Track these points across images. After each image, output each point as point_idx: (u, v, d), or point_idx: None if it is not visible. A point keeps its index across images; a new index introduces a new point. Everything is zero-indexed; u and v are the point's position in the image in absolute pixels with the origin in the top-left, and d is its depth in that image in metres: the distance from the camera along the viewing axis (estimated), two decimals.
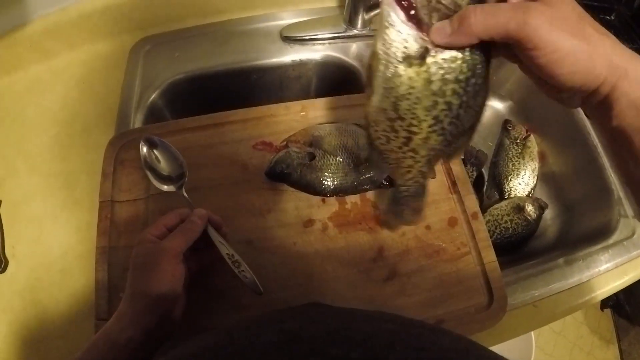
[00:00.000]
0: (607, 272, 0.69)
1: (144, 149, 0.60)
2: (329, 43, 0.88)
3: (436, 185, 0.65)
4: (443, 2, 0.33)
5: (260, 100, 0.71)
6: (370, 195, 0.63)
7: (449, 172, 0.66)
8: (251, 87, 0.88)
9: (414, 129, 0.38)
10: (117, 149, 0.64)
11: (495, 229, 0.84)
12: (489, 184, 0.95)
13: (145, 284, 0.45)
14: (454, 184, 0.65)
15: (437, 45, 0.34)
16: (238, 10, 0.89)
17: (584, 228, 0.83)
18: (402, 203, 0.53)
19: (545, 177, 0.94)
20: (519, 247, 0.86)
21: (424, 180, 0.48)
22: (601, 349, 1.85)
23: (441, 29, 0.34)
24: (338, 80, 0.90)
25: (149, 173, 0.60)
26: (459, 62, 0.35)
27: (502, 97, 1.06)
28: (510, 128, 0.95)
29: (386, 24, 0.34)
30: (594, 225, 0.80)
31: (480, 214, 0.64)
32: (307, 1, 0.91)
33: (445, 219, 0.63)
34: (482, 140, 1.01)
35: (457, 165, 0.66)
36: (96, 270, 0.56)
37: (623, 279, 0.70)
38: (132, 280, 0.47)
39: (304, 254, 0.59)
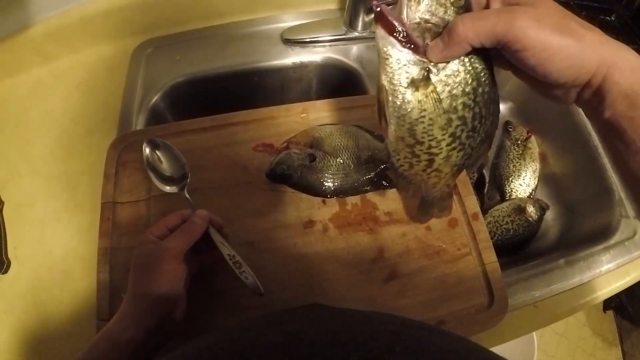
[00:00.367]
0: (608, 272, 0.69)
1: (147, 150, 0.61)
2: (330, 45, 0.88)
3: None
4: (432, 21, 0.35)
5: (261, 103, 0.71)
6: (370, 196, 0.64)
7: None
8: (252, 89, 0.88)
9: (434, 150, 0.40)
10: (119, 150, 0.65)
11: (497, 230, 0.84)
12: (490, 185, 0.95)
13: (146, 284, 0.46)
14: (454, 185, 0.65)
15: (437, 63, 0.35)
16: (239, 13, 0.89)
17: (585, 229, 0.83)
18: (431, 205, 0.55)
19: (546, 178, 0.94)
20: (520, 248, 0.86)
21: (450, 187, 0.50)
22: (603, 350, 1.84)
23: (435, 45, 0.35)
24: (339, 82, 0.90)
25: (151, 174, 0.60)
26: (462, 74, 0.36)
27: (502, 99, 1.06)
28: (511, 129, 0.95)
29: (384, 56, 0.36)
30: (595, 225, 0.80)
31: (480, 215, 0.64)
32: (307, 4, 0.92)
33: (446, 219, 0.63)
34: None
35: None
36: (98, 271, 0.57)
37: (624, 279, 0.70)
38: (133, 281, 0.47)
39: (304, 255, 0.59)
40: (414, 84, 0.36)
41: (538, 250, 0.87)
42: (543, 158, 0.94)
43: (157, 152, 0.62)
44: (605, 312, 1.88)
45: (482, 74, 0.36)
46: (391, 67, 0.36)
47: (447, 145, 0.39)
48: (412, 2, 0.34)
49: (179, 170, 0.61)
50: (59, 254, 0.66)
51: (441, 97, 0.36)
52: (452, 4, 0.34)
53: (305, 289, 0.57)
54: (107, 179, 0.63)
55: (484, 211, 0.86)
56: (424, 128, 0.38)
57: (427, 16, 0.35)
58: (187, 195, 0.59)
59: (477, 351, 0.31)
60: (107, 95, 0.81)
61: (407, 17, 0.35)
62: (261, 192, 0.62)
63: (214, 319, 0.54)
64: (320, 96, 0.93)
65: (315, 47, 0.88)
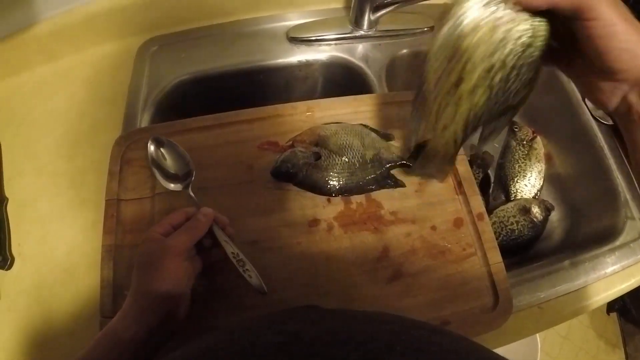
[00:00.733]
0: (613, 274, 0.69)
1: (152, 148, 0.61)
2: (335, 44, 0.88)
3: (442, 186, 0.65)
4: None
5: (266, 101, 0.71)
6: (376, 195, 0.63)
7: (455, 173, 0.66)
8: (257, 87, 0.88)
9: (467, 71, 0.40)
10: (123, 148, 0.64)
11: (501, 230, 0.83)
12: (495, 185, 0.94)
13: (149, 282, 0.46)
14: (459, 184, 0.65)
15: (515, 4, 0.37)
16: (244, 12, 0.89)
17: (590, 230, 0.83)
18: (431, 159, 0.55)
19: (551, 179, 0.94)
20: (525, 248, 0.85)
21: (452, 154, 0.50)
22: (607, 353, 1.84)
23: None
24: (344, 81, 0.90)
25: (156, 171, 0.60)
26: (524, 26, 0.37)
27: None
28: (516, 129, 0.94)
29: None
30: (600, 227, 0.79)
31: (486, 215, 0.64)
32: (313, 2, 0.92)
33: (451, 219, 0.63)
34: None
35: (462, 166, 0.66)
36: (101, 269, 0.57)
37: (630, 281, 0.70)
38: (136, 278, 0.47)
39: (308, 254, 0.59)
40: (488, 3, 0.37)
41: (543, 251, 0.87)
42: (548, 158, 0.94)
43: (162, 149, 0.62)
44: (609, 315, 1.87)
45: (539, 39, 0.38)
46: None
47: (479, 76, 0.39)
48: None
49: (183, 168, 0.61)
50: (63, 251, 0.66)
51: (499, 28, 0.37)
52: None
53: (309, 288, 0.57)
54: (112, 176, 0.63)
55: (489, 211, 0.86)
56: (468, 44, 0.38)
57: None
58: (191, 194, 0.59)
59: (477, 351, 0.31)
60: (112, 93, 0.81)
61: None
62: (266, 191, 0.62)
63: (216, 318, 0.54)
64: (326, 94, 0.93)
65: (320, 45, 0.88)
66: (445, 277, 0.59)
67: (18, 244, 0.67)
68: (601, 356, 1.83)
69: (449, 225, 0.63)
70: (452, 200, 0.65)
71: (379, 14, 0.85)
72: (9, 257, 0.66)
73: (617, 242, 0.72)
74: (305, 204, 0.62)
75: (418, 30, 0.91)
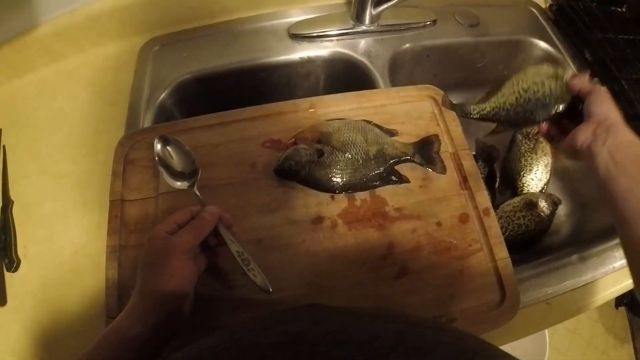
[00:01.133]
0: (621, 268, 0.68)
1: (158, 146, 0.61)
2: (337, 40, 0.88)
3: (447, 181, 0.65)
4: None
5: (268, 99, 0.70)
6: (380, 191, 0.63)
7: (460, 168, 0.65)
8: (260, 85, 0.88)
9: (520, 82, 0.62)
10: (126, 148, 0.64)
11: (508, 225, 0.83)
12: (501, 180, 0.94)
13: (154, 280, 0.45)
14: (465, 179, 0.64)
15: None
16: (245, 9, 0.89)
17: (598, 224, 0.82)
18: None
19: (558, 173, 0.93)
20: (532, 244, 0.85)
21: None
22: (615, 348, 1.83)
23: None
24: (346, 77, 0.90)
25: (162, 170, 0.60)
26: (558, 89, 0.60)
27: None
28: None
29: None
30: (608, 221, 0.78)
31: (492, 210, 0.63)
32: None
33: (457, 215, 0.62)
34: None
35: (467, 161, 0.66)
36: (106, 269, 0.57)
37: None
38: (141, 276, 0.47)
39: (313, 252, 0.58)
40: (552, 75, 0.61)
41: (550, 246, 0.86)
42: (555, 152, 0.93)
43: (168, 148, 0.62)
44: (617, 309, 1.86)
45: (555, 95, 0.60)
46: None
47: (522, 87, 0.62)
48: None
49: (189, 166, 0.61)
50: (68, 252, 0.66)
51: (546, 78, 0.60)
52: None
53: (313, 286, 0.56)
54: (115, 176, 0.62)
55: (495, 206, 0.85)
56: (532, 74, 0.62)
57: None
58: (197, 192, 0.58)
59: (483, 349, 0.30)
60: (115, 93, 0.81)
61: None
62: (269, 189, 0.62)
63: (221, 316, 0.54)
64: (328, 91, 0.93)
65: (322, 41, 0.87)
66: (451, 274, 0.59)
67: (24, 245, 0.67)
68: (610, 351, 1.82)
69: (455, 221, 0.62)
70: (458, 195, 0.64)
71: (380, 8, 0.84)
72: (15, 260, 0.66)
73: None
74: (309, 202, 0.61)
75: (420, 24, 0.91)
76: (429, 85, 0.73)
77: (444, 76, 0.97)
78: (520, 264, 0.66)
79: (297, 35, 0.86)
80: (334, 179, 0.61)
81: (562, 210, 0.90)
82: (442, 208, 0.63)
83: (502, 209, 0.85)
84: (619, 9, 1.00)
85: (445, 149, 0.67)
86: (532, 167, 0.90)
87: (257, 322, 0.38)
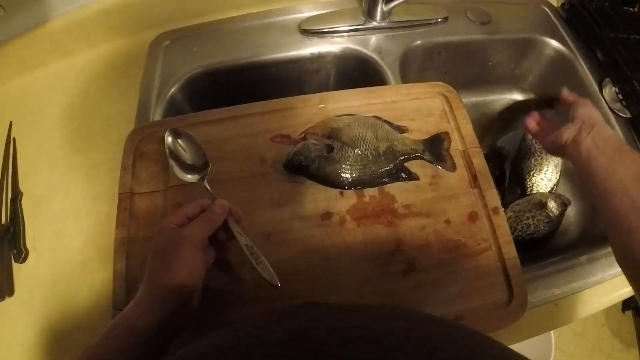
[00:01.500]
0: None
1: (169, 139, 0.61)
2: (348, 35, 0.87)
3: (457, 179, 0.64)
4: None
5: (278, 94, 0.70)
6: (389, 188, 0.63)
7: (470, 167, 0.65)
8: (269, 80, 0.88)
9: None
10: (136, 142, 0.65)
11: (517, 225, 0.82)
12: (510, 179, 0.93)
13: (164, 271, 0.45)
14: (474, 178, 0.64)
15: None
16: (256, 4, 0.89)
17: None
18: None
19: (568, 173, 0.92)
20: (541, 244, 0.84)
21: None
22: (622, 352, 1.81)
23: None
24: (357, 73, 0.89)
25: (173, 163, 0.60)
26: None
27: (524, 91, 1.05)
28: None
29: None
30: None
31: (501, 209, 0.63)
32: None
33: (466, 213, 0.62)
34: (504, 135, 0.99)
35: (478, 159, 0.65)
36: (115, 262, 0.57)
37: None
38: (151, 268, 0.47)
39: (321, 247, 0.58)
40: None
41: (559, 246, 0.85)
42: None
43: (179, 140, 0.62)
44: (624, 313, 1.84)
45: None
46: None
47: None
48: None
49: (199, 159, 0.61)
50: (77, 244, 0.67)
51: None
52: None
53: (321, 282, 0.56)
54: (125, 170, 0.63)
55: (504, 206, 0.85)
56: None
57: None
58: (206, 185, 0.58)
59: (491, 347, 0.30)
60: (125, 87, 0.81)
61: None
62: (278, 183, 0.62)
63: (229, 311, 0.54)
64: (339, 87, 0.93)
65: (333, 37, 0.87)
66: (459, 272, 0.58)
67: (32, 237, 0.68)
68: (616, 355, 1.80)
69: (464, 219, 0.62)
70: (467, 193, 0.64)
71: (391, 4, 0.84)
72: (24, 250, 0.66)
73: None
74: (318, 197, 0.61)
75: (432, 21, 0.90)
76: (440, 83, 0.72)
77: (454, 73, 0.96)
78: (528, 264, 0.66)
79: (307, 31, 0.86)
80: (343, 175, 0.61)
81: (571, 211, 0.89)
82: (451, 206, 0.62)
83: (511, 209, 0.84)
84: (632, 9, 0.99)
85: (456, 146, 0.67)
86: (542, 167, 0.89)
87: (262, 319, 0.38)
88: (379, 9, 0.84)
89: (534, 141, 0.91)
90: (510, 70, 1.01)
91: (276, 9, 0.89)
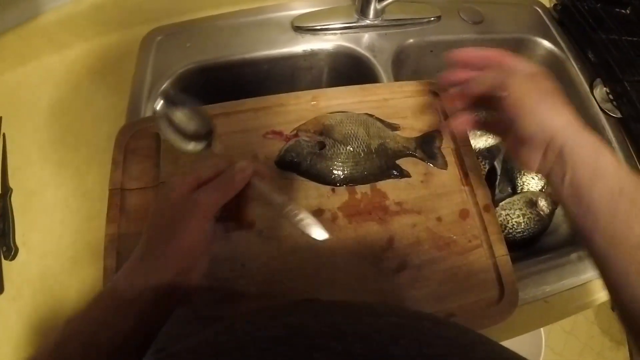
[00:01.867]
0: None
1: (163, 105, 0.55)
2: (341, 33, 0.87)
3: (448, 177, 0.64)
4: None
5: (271, 91, 0.70)
6: (380, 185, 0.63)
7: (462, 164, 0.65)
8: (262, 77, 0.88)
9: None
10: (127, 137, 0.64)
11: (507, 223, 0.83)
12: (501, 178, 0.94)
13: (166, 239, 0.40)
14: (466, 175, 0.64)
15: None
16: (249, 1, 0.89)
17: None
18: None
19: None
20: (532, 242, 0.85)
21: None
22: (611, 350, 1.83)
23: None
24: (350, 71, 0.89)
25: (170, 132, 0.50)
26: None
27: None
28: None
29: None
30: None
31: (492, 207, 0.63)
32: None
33: (457, 210, 0.62)
34: None
35: (469, 157, 0.65)
36: (105, 258, 0.56)
37: None
38: (151, 232, 0.42)
39: (313, 245, 0.58)
40: None
41: (549, 244, 0.86)
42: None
43: (176, 107, 0.52)
44: (614, 311, 1.85)
45: None
46: None
47: None
48: None
49: (202, 125, 0.52)
50: (67, 240, 0.66)
51: None
52: None
53: (313, 279, 0.56)
54: (116, 165, 0.62)
55: (495, 204, 0.85)
56: None
57: None
58: (216, 151, 0.51)
59: (482, 343, 0.30)
60: (117, 82, 0.80)
61: None
62: (270, 180, 0.62)
63: (221, 306, 0.53)
64: (331, 84, 0.92)
65: (326, 34, 0.87)
66: (450, 269, 0.59)
67: (22, 233, 0.67)
68: (606, 353, 1.82)
69: (455, 217, 0.62)
70: (459, 191, 0.64)
71: (384, 3, 0.84)
72: (13, 247, 0.66)
73: None
74: (310, 194, 0.61)
75: (424, 20, 0.91)
76: (432, 81, 0.73)
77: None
78: (519, 261, 0.66)
79: (300, 28, 0.86)
80: (335, 172, 0.61)
81: (561, 210, 0.89)
82: (442, 203, 0.62)
83: (502, 207, 0.85)
84: (624, 11, 1.00)
85: (448, 144, 0.67)
86: None
87: (256, 315, 0.38)
88: (372, 7, 0.85)
89: None
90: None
91: (269, 5, 0.89)
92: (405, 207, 0.61)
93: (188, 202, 0.41)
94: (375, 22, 0.87)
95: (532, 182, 0.89)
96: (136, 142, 0.64)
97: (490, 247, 0.60)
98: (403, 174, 0.63)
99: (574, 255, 0.68)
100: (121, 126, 0.66)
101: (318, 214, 0.60)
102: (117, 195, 0.60)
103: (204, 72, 0.83)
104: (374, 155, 0.63)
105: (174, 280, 0.39)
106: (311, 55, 0.87)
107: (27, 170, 0.73)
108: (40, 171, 0.73)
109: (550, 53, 0.93)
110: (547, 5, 1.01)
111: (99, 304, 0.39)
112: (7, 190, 0.70)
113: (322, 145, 0.62)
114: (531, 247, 0.85)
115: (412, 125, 0.68)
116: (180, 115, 0.51)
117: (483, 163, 0.91)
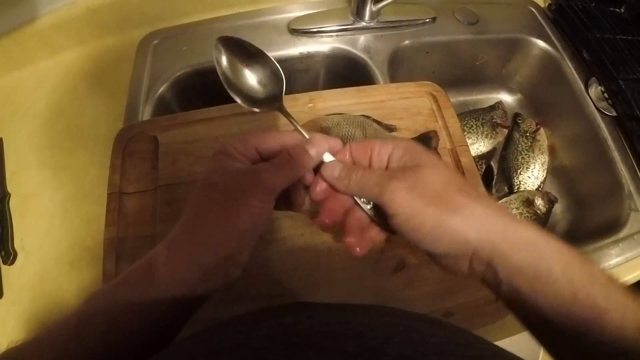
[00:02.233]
0: (617, 266, 0.69)
1: (223, 58, 0.45)
2: (337, 35, 0.88)
3: None
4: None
5: None
6: None
7: (458, 164, 0.66)
8: None
9: None
10: (125, 141, 0.64)
11: None
12: (498, 177, 0.94)
13: (221, 215, 0.35)
14: (462, 175, 0.65)
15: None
16: (246, 4, 0.89)
17: (594, 222, 0.83)
18: None
19: (555, 171, 0.94)
20: None
21: None
22: None
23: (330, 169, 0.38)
24: (346, 72, 0.90)
25: (232, 91, 0.44)
26: None
27: (511, 90, 1.06)
28: (520, 121, 0.94)
29: None
30: (604, 219, 0.79)
31: None
32: None
33: None
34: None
35: (465, 157, 0.66)
36: (104, 261, 0.56)
37: (634, 273, 0.69)
38: (200, 205, 0.36)
39: (311, 245, 0.58)
40: None
41: None
42: (552, 150, 0.94)
43: (236, 56, 0.45)
44: None
45: None
46: None
47: None
48: None
49: (271, 81, 0.44)
50: (66, 244, 0.66)
51: None
52: None
53: (312, 279, 0.57)
54: (114, 169, 0.62)
55: None
56: None
57: None
58: (288, 113, 0.43)
59: (478, 343, 0.30)
60: (114, 86, 0.81)
61: None
62: None
63: (216, 308, 0.53)
64: (328, 86, 0.93)
65: (322, 37, 0.87)
66: None
67: (21, 238, 0.67)
68: None
69: None
70: None
71: (380, 5, 0.84)
72: (12, 252, 0.66)
73: (621, 234, 0.72)
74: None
75: (420, 21, 0.91)
76: (428, 82, 0.73)
77: (442, 73, 0.97)
78: None
79: (296, 31, 0.86)
80: None
81: (558, 208, 0.90)
82: None
83: None
84: (618, 10, 1.00)
85: (444, 145, 0.67)
86: (529, 165, 0.90)
87: (249, 316, 0.37)
88: (367, 9, 0.85)
89: (521, 139, 0.92)
90: (497, 70, 1.02)
91: (266, 8, 0.89)
92: None
93: (253, 178, 0.35)
94: (371, 24, 0.87)
95: (528, 182, 0.90)
96: (134, 145, 0.64)
97: None
98: None
99: None
100: (119, 129, 0.66)
101: (316, 215, 0.60)
102: (116, 198, 0.60)
103: (201, 75, 0.83)
104: None
105: (219, 265, 0.34)
106: (307, 57, 0.87)
107: (24, 175, 0.73)
108: (37, 175, 0.73)
109: (545, 53, 0.94)
110: (542, 5, 1.01)
111: (128, 280, 0.35)
112: (5, 195, 0.70)
113: None
114: None
115: (409, 126, 0.68)
116: (240, 66, 0.44)
117: (479, 163, 0.92)
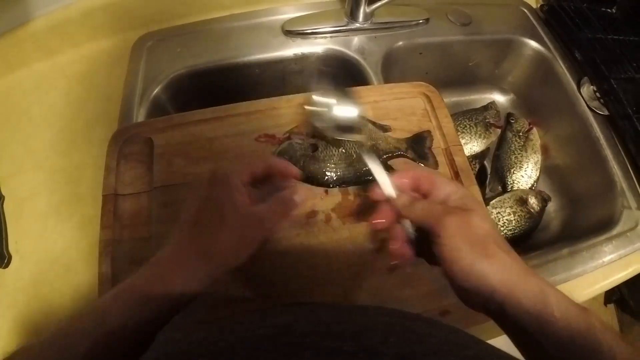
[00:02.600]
0: (611, 263, 0.69)
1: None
2: (331, 36, 0.88)
3: None
4: None
5: (262, 94, 0.70)
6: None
7: (452, 164, 0.66)
8: (253, 81, 0.88)
9: None
10: (120, 143, 0.64)
11: (498, 221, 0.84)
12: (491, 176, 0.95)
13: (216, 240, 0.39)
14: (456, 175, 0.65)
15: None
16: (240, 5, 0.89)
17: (587, 220, 0.83)
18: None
19: (548, 170, 0.94)
20: (523, 239, 0.86)
21: None
22: None
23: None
24: (340, 74, 0.90)
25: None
26: None
27: (504, 90, 1.07)
28: (512, 121, 0.95)
29: None
30: (597, 216, 0.80)
31: (483, 205, 0.64)
32: None
33: None
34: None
35: (459, 156, 0.66)
36: (99, 264, 0.56)
37: (627, 270, 0.70)
38: (195, 227, 0.40)
39: (307, 246, 0.59)
40: None
41: (541, 241, 0.87)
42: (545, 150, 0.94)
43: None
44: (606, 306, 1.88)
45: None
46: None
47: None
48: None
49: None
50: (60, 247, 0.66)
51: None
52: None
53: (309, 280, 0.57)
54: (109, 171, 0.62)
55: (486, 202, 0.86)
56: None
57: None
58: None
59: (474, 343, 0.31)
60: (108, 88, 0.80)
61: None
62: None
63: (211, 309, 0.54)
64: (322, 87, 0.93)
65: (316, 38, 0.88)
66: None
67: (15, 241, 0.67)
68: None
69: None
70: None
71: (374, 6, 0.85)
72: (6, 255, 0.65)
73: (614, 232, 0.72)
74: None
75: (413, 23, 0.91)
76: (422, 83, 0.73)
77: (436, 74, 0.98)
78: None
79: (291, 32, 0.86)
80: (328, 174, 0.62)
81: (552, 206, 0.91)
82: None
83: (493, 205, 0.86)
84: (609, 10, 1.01)
85: (438, 144, 0.68)
86: (522, 164, 0.91)
87: (245, 317, 0.37)
88: (361, 10, 0.85)
89: (514, 139, 0.93)
90: (490, 71, 1.03)
91: (260, 10, 0.90)
92: None
93: (253, 217, 0.41)
94: (365, 25, 0.88)
95: (522, 180, 0.91)
96: (129, 147, 0.64)
97: None
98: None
99: (565, 251, 0.69)
100: (113, 132, 0.66)
101: (311, 215, 0.60)
102: (111, 201, 0.60)
103: (196, 76, 0.83)
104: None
105: (210, 283, 0.39)
106: (302, 58, 0.87)
107: (19, 177, 0.72)
108: (32, 178, 0.72)
109: (537, 53, 0.95)
110: (534, 6, 1.02)
111: (118, 301, 0.37)
112: (0, 198, 0.70)
113: (314, 148, 0.62)
114: (523, 244, 0.86)
115: (403, 126, 0.69)
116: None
117: (473, 162, 0.92)
